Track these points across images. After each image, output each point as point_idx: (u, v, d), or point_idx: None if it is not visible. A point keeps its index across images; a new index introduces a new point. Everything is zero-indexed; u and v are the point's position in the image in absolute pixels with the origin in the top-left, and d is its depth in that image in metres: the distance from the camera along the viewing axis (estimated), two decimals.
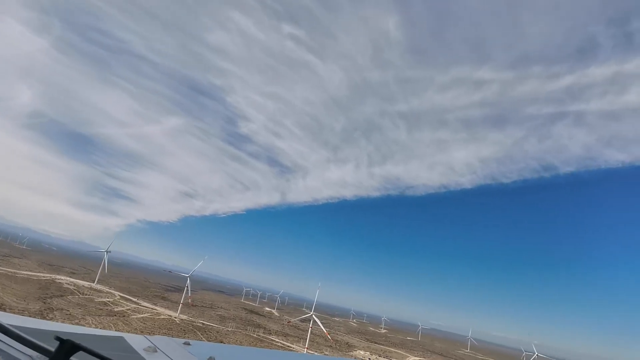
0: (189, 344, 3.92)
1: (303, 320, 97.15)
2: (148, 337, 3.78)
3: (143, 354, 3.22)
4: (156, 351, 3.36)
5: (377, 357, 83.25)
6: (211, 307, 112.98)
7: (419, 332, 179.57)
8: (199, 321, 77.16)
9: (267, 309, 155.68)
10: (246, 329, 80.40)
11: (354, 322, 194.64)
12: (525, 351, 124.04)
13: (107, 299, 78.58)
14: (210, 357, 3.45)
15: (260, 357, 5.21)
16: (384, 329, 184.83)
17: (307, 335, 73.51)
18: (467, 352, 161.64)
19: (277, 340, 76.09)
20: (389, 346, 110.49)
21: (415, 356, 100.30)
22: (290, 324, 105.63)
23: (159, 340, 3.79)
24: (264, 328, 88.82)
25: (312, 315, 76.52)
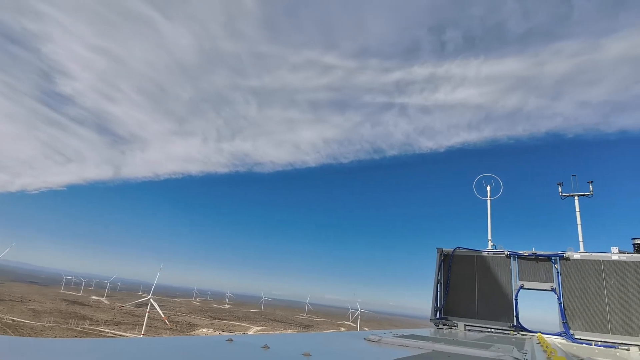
0: None
1: (139, 306, 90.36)
2: None
3: None
4: None
5: (220, 333, 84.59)
6: (21, 301, 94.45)
7: (261, 303, 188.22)
8: (8, 317, 64.15)
9: (94, 297, 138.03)
10: (67, 323, 70.34)
11: (196, 302, 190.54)
12: (351, 309, 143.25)
13: None
14: None
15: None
16: (228, 304, 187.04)
17: (143, 322, 69.02)
18: (305, 316, 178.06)
19: (106, 330, 69.12)
20: (232, 320, 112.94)
21: (257, 326, 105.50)
22: (123, 309, 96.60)
23: None
24: (90, 319, 79.26)
25: (149, 298, 71.99)
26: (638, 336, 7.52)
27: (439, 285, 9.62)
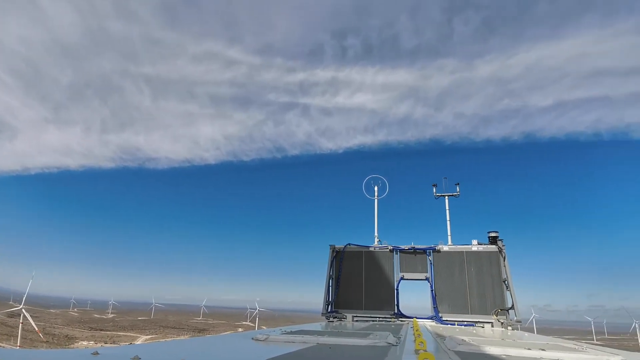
0: None
1: (11, 315, 76.56)
2: None
3: None
4: None
5: (103, 345, 75.81)
6: None
7: (151, 310, 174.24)
8: None
9: None
10: None
11: (74, 312, 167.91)
12: (250, 308, 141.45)
13: None
14: None
15: None
16: (112, 313, 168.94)
17: (17, 332, 58.69)
18: (200, 320, 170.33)
19: None
20: (117, 330, 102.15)
21: (147, 335, 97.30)
22: None
23: None
24: None
25: (21, 308, 61.42)
26: (490, 315, 8.93)
27: (330, 280, 10.09)
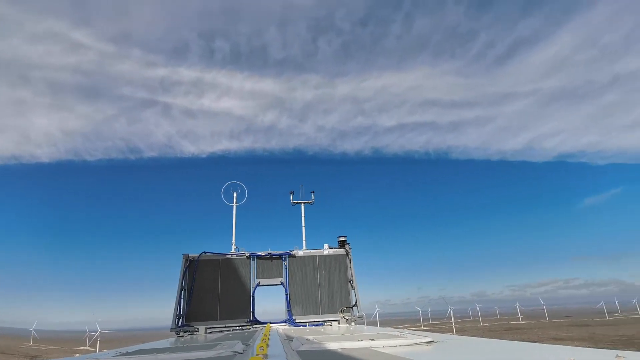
0: None
1: None
2: None
3: None
4: None
5: None
6: None
7: None
8: None
9: None
10: None
11: None
12: (90, 330, 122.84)
13: None
14: None
15: None
16: None
17: None
18: (31, 345, 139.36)
19: None
20: None
21: None
22: None
23: None
24: None
25: None
26: (337, 313, 9.68)
27: (183, 292, 9.44)
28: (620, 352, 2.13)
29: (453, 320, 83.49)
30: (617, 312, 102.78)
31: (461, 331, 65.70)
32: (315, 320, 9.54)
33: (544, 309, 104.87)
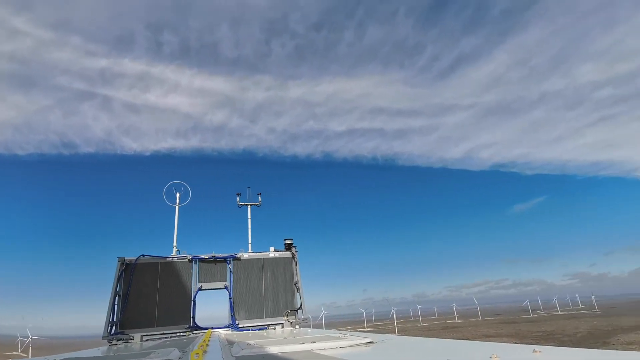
0: None
1: None
2: None
3: None
4: None
5: None
6: None
7: None
8: None
9: None
10: None
11: None
12: (21, 336, 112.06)
13: None
14: None
15: None
16: None
17: None
18: None
19: None
20: None
21: None
22: None
23: None
24: None
25: None
26: (282, 316, 9.59)
27: (117, 297, 8.83)
28: (537, 347, 2.31)
29: (395, 321, 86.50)
30: (540, 310, 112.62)
31: (403, 331, 68.26)
32: (259, 324, 9.38)
33: (477, 308, 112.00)
